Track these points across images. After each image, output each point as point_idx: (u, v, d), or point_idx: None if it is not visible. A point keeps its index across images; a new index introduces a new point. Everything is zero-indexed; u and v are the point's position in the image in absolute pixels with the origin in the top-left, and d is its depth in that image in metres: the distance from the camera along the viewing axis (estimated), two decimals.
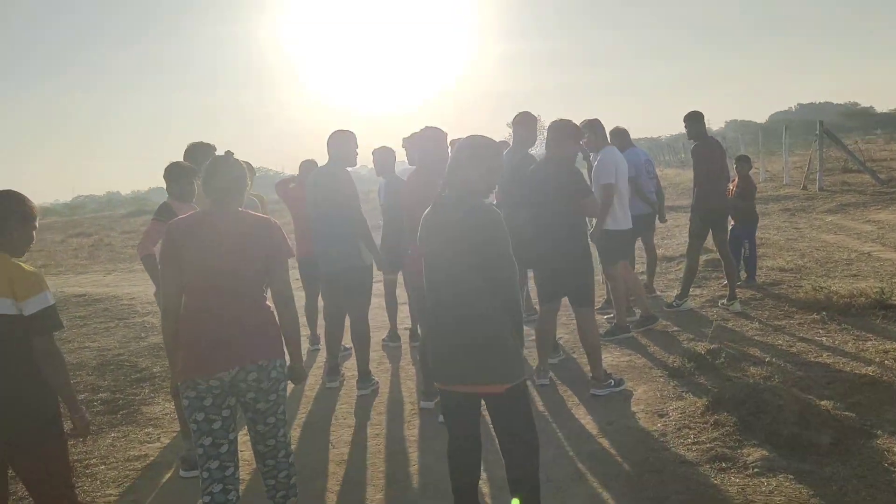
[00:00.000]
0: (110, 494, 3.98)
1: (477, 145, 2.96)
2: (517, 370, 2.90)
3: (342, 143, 5.27)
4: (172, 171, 4.27)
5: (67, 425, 2.84)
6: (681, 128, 7.01)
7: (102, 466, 4.34)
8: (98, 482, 4.13)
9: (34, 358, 2.68)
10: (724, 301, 6.76)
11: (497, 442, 3.06)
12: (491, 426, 3.09)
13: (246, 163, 6.27)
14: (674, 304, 6.83)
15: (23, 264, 2.75)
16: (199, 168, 4.03)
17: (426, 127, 4.94)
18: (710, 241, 6.95)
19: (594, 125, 6.04)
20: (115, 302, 9.76)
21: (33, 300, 2.64)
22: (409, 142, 5.91)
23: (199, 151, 4.65)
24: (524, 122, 5.69)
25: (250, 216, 3.03)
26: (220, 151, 3.70)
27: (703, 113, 6.69)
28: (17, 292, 2.64)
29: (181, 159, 4.56)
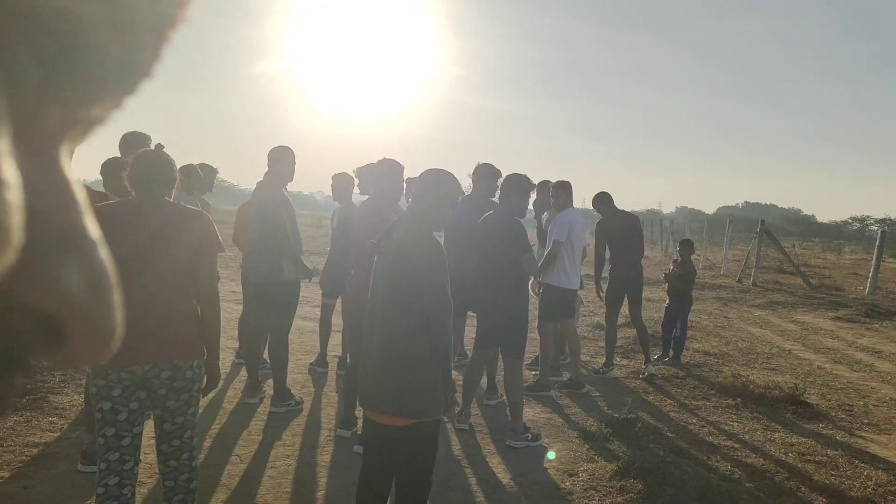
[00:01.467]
0: (2, 477, 3.82)
1: (429, 176, 3.06)
2: (428, 409, 2.88)
3: (280, 157, 5.32)
4: (111, 166, 4.18)
5: None
6: (632, 205, 7.37)
7: None
8: None
9: None
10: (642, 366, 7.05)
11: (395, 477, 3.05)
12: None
13: (205, 165, 6.27)
14: (600, 370, 6.99)
15: None
16: None
17: (383, 158, 5.03)
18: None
19: (565, 186, 6.34)
20: None
21: None
22: (362, 171, 5.98)
23: (134, 141, 4.58)
24: (483, 174, 5.89)
25: (179, 207, 2.96)
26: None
27: (609, 193, 7.11)
28: None
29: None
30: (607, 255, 7.02)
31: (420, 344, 2.86)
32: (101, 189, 4.31)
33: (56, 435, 4.51)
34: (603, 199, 7.09)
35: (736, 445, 5.10)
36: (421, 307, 2.84)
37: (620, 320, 7.37)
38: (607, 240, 6.99)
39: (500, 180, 5.51)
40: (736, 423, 5.62)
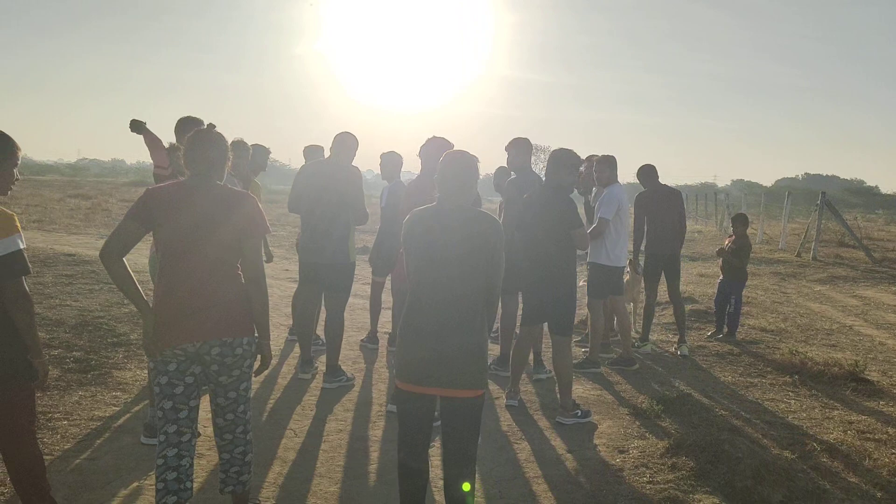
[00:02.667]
0: (69, 450, 4.01)
1: (463, 162, 3.07)
2: (486, 378, 3.02)
3: (350, 142, 5.38)
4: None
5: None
6: (685, 179, 7.25)
7: (65, 422, 4.36)
8: (59, 436, 4.15)
9: (3, 302, 2.69)
10: (676, 345, 6.99)
11: (442, 440, 3.07)
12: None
13: (258, 145, 6.34)
14: (635, 345, 6.88)
15: (2, 207, 2.74)
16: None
17: (433, 137, 5.05)
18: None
19: (610, 161, 6.23)
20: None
21: (1, 243, 2.63)
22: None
23: (188, 125, 4.67)
24: (518, 147, 5.85)
25: (227, 189, 3.03)
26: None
27: (655, 166, 7.01)
28: None
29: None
30: (645, 228, 6.91)
31: (479, 316, 2.97)
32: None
33: (119, 409, 4.69)
34: (648, 172, 6.96)
35: (793, 423, 4.98)
36: (486, 282, 2.97)
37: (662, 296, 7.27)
38: (646, 214, 6.87)
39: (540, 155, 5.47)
40: (793, 401, 5.50)
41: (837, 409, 5.32)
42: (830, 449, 4.50)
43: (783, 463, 4.14)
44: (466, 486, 3.00)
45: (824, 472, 4.16)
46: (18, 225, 2.75)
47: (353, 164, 5.45)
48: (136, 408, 4.72)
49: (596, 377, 6.00)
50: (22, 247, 2.72)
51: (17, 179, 2.86)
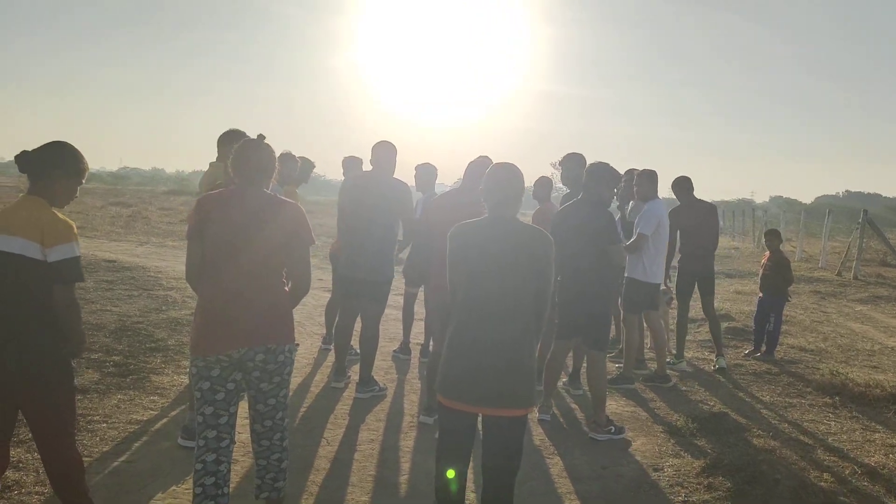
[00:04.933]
0: (107, 452, 4.08)
1: (512, 172, 3.07)
2: (534, 395, 2.99)
3: (390, 153, 5.41)
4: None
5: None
6: (721, 194, 7.16)
7: (104, 425, 4.45)
8: (97, 438, 4.24)
9: (54, 305, 2.76)
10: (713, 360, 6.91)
11: (483, 460, 3.04)
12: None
13: (304, 158, 6.47)
14: (669, 363, 6.78)
15: (57, 212, 2.82)
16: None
17: (481, 157, 5.09)
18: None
19: (651, 175, 6.18)
20: (142, 272, 9.97)
21: (59, 248, 2.71)
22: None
23: (232, 138, 4.75)
24: (572, 161, 5.83)
25: (275, 198, 3.09)
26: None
27: (690, 178, 6.91)
28: (45, 238, 2.70)
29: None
30: (678, 244, 6.82)
31: (529, 332, 2.94)
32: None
33: (157, 413, 4.77)
34: (683, 185, 6.85)
35: (833, 445, 4.87)
36: (536, 296, 2.95)
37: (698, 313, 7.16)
38: (679, 228, 6.76)
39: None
40: (833, 423, 5.37)
41: (879, 432, 5.18)
42: (871, 472, 4.38)
43: (823, 486, 4.04)
44: None
45: (865, 497, 4.05)
46: (76, 233, 2.83)
47: (395, 175, 5.47)
48: (174, 412, 4.80)
49: (630, 393, 5.93)
50: (77, 254, 2.79)
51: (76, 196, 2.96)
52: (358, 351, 6.49)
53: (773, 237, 7.79)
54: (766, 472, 4.06)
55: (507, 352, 2.88)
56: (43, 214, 2.77)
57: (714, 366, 6.79)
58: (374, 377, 5.59)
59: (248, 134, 4.64)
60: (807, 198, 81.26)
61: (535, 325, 3.00)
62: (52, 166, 2.83)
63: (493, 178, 3.05)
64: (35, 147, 2.88)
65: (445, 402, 2.97)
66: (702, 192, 7.10)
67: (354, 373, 5.73)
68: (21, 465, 3.71)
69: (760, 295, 7.62)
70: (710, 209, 7.05)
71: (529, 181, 7.30)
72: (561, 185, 6.72)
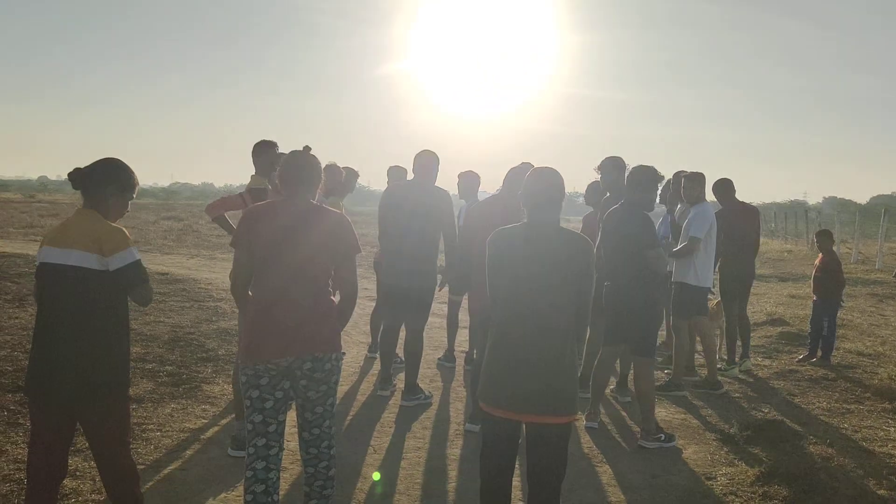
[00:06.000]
0: (161, 460, 4.17)
1: (552, 177, 3.05)
2: (577, 403, 2.96)
3: (431, 162, 5.43)
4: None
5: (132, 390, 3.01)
6: (772, 196, 7.00)
7: (158, 433, 4.55)
8: (152, 447, 4.34)
9: (136, 302, 2.88)
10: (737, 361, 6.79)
11: (528, 469, 3.02)
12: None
13: (349, 168, 6.57)
14: (722, 369, 6.63)
15: (108, 223, 2.88)
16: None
17: (524, 163, 5.08)
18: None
19: (699, 178, 6.09)
20: (193, 284, 10.21)
21: (119, 255, 2.78)
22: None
23: (264, 149, 4.81)
24: (609, 166, 5.77)
25: (322, 209, 3.14)
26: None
27: (731, 180, 6.75)
28: (103, 248, 2.77)
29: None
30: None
31: (570, 337, 2.92)
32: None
33: (208, 421, 4.87)
34: (725, 186, 6.72)
35: (893, 452, 4.69)
36: (577, 300, 2.92)
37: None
38: (724, 231, 6.57)
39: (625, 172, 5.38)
40: (892, 429, 5.18)
41: None
42: None
43: (882, 493, 3.90)
44: None
45: None
46: (131, 239, 2.90)
47: (438, 185, 5.49)
48: (224, 420, 4.88)
49: (680, 401, 5.82)
50: (138, 258, 2.87)
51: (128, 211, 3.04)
52: (403, 359, 6.53)
53: (824, 238, 7.59)
54: (823, 480, 3.94)
55: (548, 358, 2.86)
56: (98, 226, 2.84)
57: (740, 367, 6.70)
58: (420, 385, 5.60)
59: (277, 145, 4.75)
60: (861, 198, 78.78)
61: (577, 331, 2.97)
62: (105, 182, 2.92)
63: (530, 182, 3.04)
64: (87, 164, 2.97)
65: (487, 409, 2.97)
66: (751, 195, 7.10)
67: (400, 381, 5.75)
68: (78, 473, 3.81)
69: (814, 298, 7.41)
70: (752, 212, 6.95)
71: (575, 186, 7.31)
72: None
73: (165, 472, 4.02)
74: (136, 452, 4.13)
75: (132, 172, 3.01)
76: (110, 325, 2.86)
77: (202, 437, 4.59)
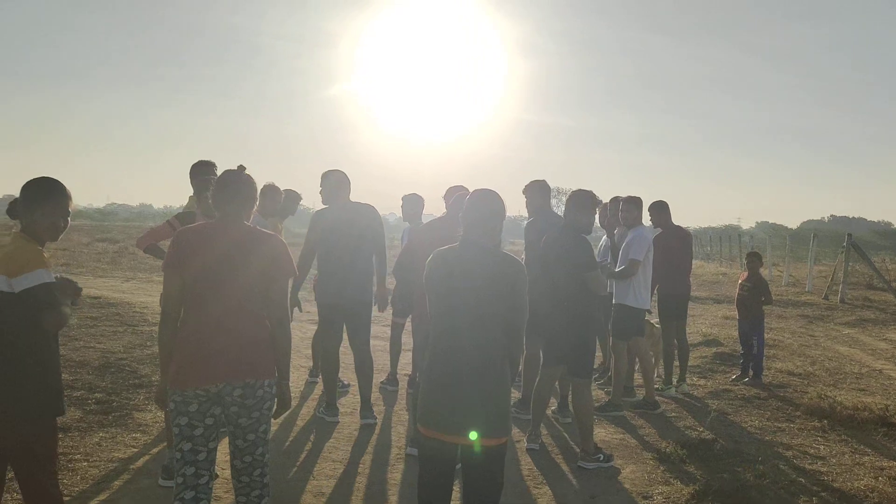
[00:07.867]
0: (88, 491, 4.00)
1: (490, 199, 3.07)
2: (509, 425, 2.96)
3: (344, 181, 5.47)
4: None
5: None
6: (708, 221, 7.20)
7: (85, 463, 4.37)
8: (78, 477, 4.16)
9: (46, 327, 2.72)
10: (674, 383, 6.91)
11: (463, 492, 3.02)
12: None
13: (290, 190, 6.50)
14: (660, 389, 6.75)
15: (27, 243, 2.75)
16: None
17: (456, 186, 5.12)
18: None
19: (636, 202, 6.23)
20: (127, 308, 9.89)
21: (26, 276, 2.65)
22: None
23: (201, 169, 4.78)
24: (534, 189, 5.87)
25: (255, 230, 3.06)
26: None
27: (667, 202, 6.91)
28: (9, 269, 2.66)
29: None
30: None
31: (501, 355, 2.92)
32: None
33: (138, 450, 4.69)
34: (661, 208, 6.88)
35: (822, 469, 4.84)
36: (506, 323, 2.91)
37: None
38: (661, 253, 6.75)
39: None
40: (822, 447, 5.35)
41: (868, 455, 5.16)
42: (862, 496, 4.36)
43: None
44: None
45: None
46: (46, 260, 2.76)
47: (368, 203, 5.53)
48: (155, 449, 4.72)
49: (619, 420, 5.90)
50: (49, 280, 2.72)
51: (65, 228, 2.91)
52: (346, 383, 6.46)
53: (754, 259, 7.87)
54: (755, 498, 4.04)
55: (480, 380, 2.87)
56: (10, 247, 2.72)
57: (677, 390, 6.82)
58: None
59: (215, 165, 4.70)
60: (793, 223, 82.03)
61: (510, 353, 2.96)
62: (35, 203, 2.80)
63: (468, 203, 3.06)
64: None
65: (424, 432, 2.97)
66: (688, 219, 7.29)
67: (341, 405, 5.66)
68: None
69: (738, 318, 7.66)
70: (685, 235, 7.15)
71: (520, 210, 7.38)
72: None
73: (92, 503, 3.86)
74: (62, 483, 3.93)
75: (64, 191, 2.88)
76: (22, 351, 2.73)
77: (132, 466, 4.43)
